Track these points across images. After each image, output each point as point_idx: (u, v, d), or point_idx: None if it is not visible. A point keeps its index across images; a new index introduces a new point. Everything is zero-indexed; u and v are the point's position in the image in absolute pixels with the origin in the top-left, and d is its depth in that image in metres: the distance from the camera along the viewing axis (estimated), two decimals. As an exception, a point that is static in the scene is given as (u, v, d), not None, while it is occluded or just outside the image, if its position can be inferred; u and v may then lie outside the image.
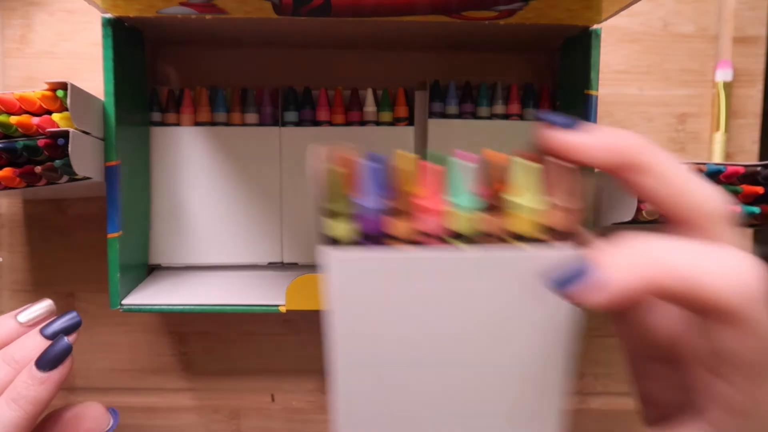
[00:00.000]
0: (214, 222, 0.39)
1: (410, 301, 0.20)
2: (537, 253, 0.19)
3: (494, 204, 0.19)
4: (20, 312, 0.28)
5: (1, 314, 0.43)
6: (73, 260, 0.43)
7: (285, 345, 0.44)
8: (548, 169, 0.19)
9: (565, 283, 0.18)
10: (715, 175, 0.35)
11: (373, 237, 0.19)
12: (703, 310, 0.17)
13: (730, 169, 0.34)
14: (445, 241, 0.19)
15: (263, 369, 0.44)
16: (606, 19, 0.34)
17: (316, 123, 0.40)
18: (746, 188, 0.35)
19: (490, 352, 0.21)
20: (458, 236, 0.19)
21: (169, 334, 0.44)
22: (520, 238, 0.19)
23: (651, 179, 0.19)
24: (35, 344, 0.27)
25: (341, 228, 0.19)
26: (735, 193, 0.35)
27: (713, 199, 0.19)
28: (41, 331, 0.27)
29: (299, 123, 0.40)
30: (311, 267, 0.40)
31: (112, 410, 0.30)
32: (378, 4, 0.31)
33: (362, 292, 0.20)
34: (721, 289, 0.17)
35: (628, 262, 0.17)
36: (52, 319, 0.28)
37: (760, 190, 0.35)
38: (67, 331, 0.27)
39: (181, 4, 0.31)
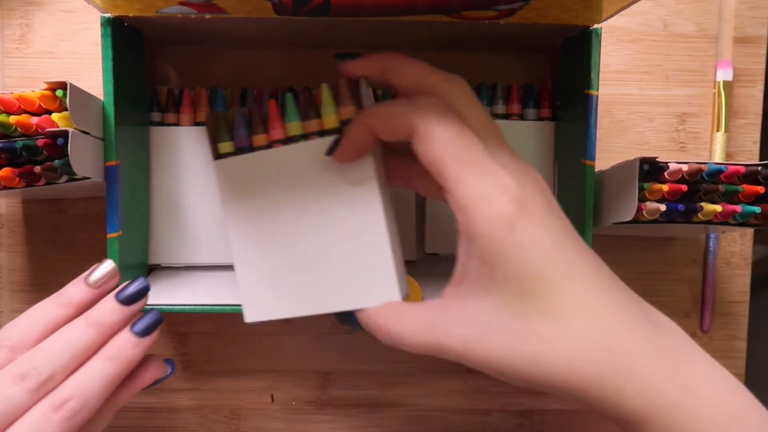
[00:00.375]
0: (214, 221, 0.39)
1: (271, 185, 0.32)
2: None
3: (314, 114, 0.32)
4: (88, 275, 0.31)
5: (0, 314, 0.43)
6: (73, 260, 0.43)
7: (285, 345, 0.44)
8: (345, 86, 0.31)
9: None
10: (715, 174, 0.35)
11: (244, 149, 0.32)
12: (401, 134, 0.28)
13: (731, 168, 0.34)
14: (287, 142, 0.32)
15: (263, 369, 0.44)
16: (606, 19, 0.34)
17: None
18: (747, 188, 0.35)
19: (329, 217, 0.32)
20: (295, 138, 0.32)
21: (169, 334, 0.44)
22: (331, 131, 0.31)
23: (395, 76, 0.30)
24: (113, 309, 0.30)
25: (225, 146, 0.32)
26: (736, 192, 0.35)
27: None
28: (116, 297, 0.31)
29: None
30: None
31: (169, 361, 0.35)
32: (378, 4, 0.31)
33: (241, 183, 0.32)
34: (404, 115, 0.28)
35: (357, 121, 0.30)
36: (123, 285, 0.31)
37: (760, 189, 0.35)
38: (140, 295, 0.31)
39: (181, 3, 0.31)
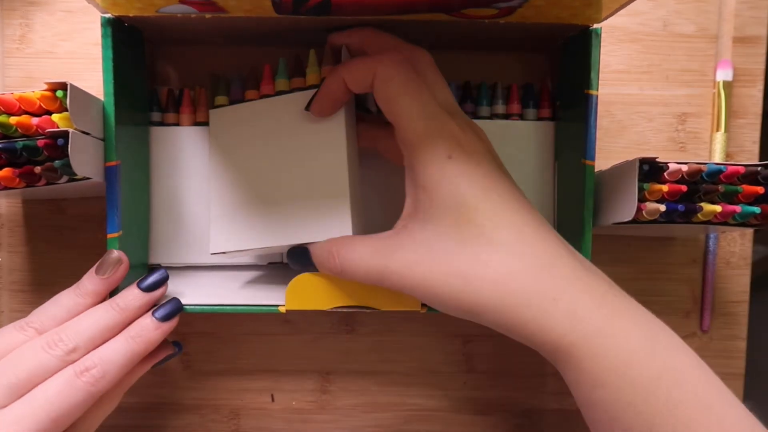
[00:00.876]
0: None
1: (254, 131, 0.36)
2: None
3: (300, 74, 0.36)
4: (98, 267, 0.34)
5: (0, 314, 0.43)
6: (73, 260, 0.43)
7: (285, 345, 0.44)
8: (329, 52, 0.36)
9: None
10: (715, 174, 0.35)
11: (237, 101, 0.37)
12: (367, 80, 0.32)
13: (731, 169, 0.34)
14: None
15: (263, 369, 0.44)
16: (606, 18, 0.34)
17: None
18: (746, 188, 0.35)
19: (299, 162, 0.35)
20: (281, 93, 0.36)
21: (169, 334, 0.44)
22: (313, 87, 0.35)
23: (370, 44, 0.35)
24: (135, 295, 0.34)
25: (221, 99, 0.38)
26: (735, 193, 0.35)
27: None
28: (138, 284, 0.34)
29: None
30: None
31: (176, 343, 0.38)
32: (378, 2, 0.31)
33: (228, 130, 0.37)
34: (368, 63, 0.32)
35: (330, 75, 0.34)
36: (145, 275, 0.35)
37: (760, 190, 0.35)
38: (160, 283, 0.35)
39: (181, 2, 0.31)
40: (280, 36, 0.39)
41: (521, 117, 0.40)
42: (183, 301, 0.35)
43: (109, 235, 0.34)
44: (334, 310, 0.35)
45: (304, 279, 0.35)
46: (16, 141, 0.32)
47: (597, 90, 0.35)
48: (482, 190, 0.30)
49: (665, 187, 0.34)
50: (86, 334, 0.32)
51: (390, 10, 0.32)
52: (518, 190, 0.32)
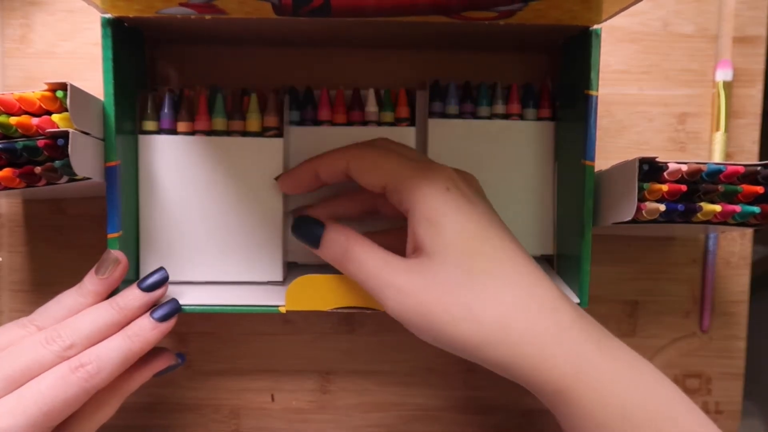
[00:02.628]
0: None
1: (191, 168, 0.38)
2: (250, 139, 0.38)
3: (239, 116, 0.38)
4: (97, 267, 0.35)
5: (1, 314, 0.43)
6: (73, 260, 0.43)
7: (285, 345, 0.44)
8: (273, 99, 0.38)
9: None
10: (715, 174, 0.35)
11: (166, 130, 0.38)
12: (339, 174, 0.34)
13: (731, 168, 0.34)
14: (209, 134, 0.38)
15: (263, 369, 0.44)
16: (606, 20, 0.34)
17: (317, 123, 0.40)
18: (746, 188, 0.35)
19: (237, 197, 0.38)
20: (215, 132, 0.38)
21: (169, 334, 0.44)
22: (252, 134, 0.38)
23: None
24: (135, 295, 0.34)
25: (150, 124, 0.38)
26: (735, 192, 0.35)
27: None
28: (138, 285, 0.34)
29: (301, 122, 0.40)
30: (312, 267, 0.40)
31: (180, 354, 0.39)
32: (378, 4, 0.31)
33: (161, 157, 0.37)
34: (337, 157, 0.34)
35: (305, 163, 0.36)
36: (146, 276, 0.35)
37: (760, 189, 0.35)
38: (160, 284, 0.35)
39: (181, 4, 0.31)
40: (280, 38, 0.39)
41: (521, 117, 0.40)
42: (183, 301, 0.35)
43: (110, 235, 0.35)
44: (335, 310, 0.35)
45: (304, 279, 0.35)
46: (16, 141, 0.32)
47: (597, 90, 0.35)
48: (483, 226, 0.31)
49: (665, 187, 0.34)
50: (84, 332, 0.32)
51: (390, 12, 0.32)
52: (504, 226, 0.33)
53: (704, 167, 0.34)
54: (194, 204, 0.38)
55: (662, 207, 0.34)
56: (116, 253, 0.34)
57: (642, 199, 0.35)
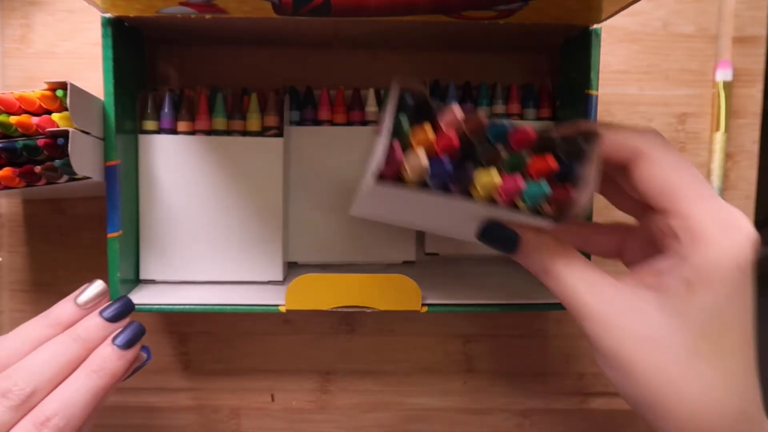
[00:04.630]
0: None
1: (185, 164, 0.37)
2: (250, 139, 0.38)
3: (239, 116, 0.38)
4: (78, 295, 0.32)
5: (1, 314, 0.43)
6: (73, 260, 0.43)
7: (285, 345, 0.44)
8: (273, 98, 0.38)
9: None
10: (501, 135, 0.26)
11: (167, 130, 0.37)
12: (621, 155, 0.28)
13: (520, 131, 0.26)
14: (209, 134, 0.38)
15: (263, 369, 0.44)
16: (606, 19, 0.34)
17: (317, 122, 0.40)
18: (535, 159, 0.26)
19: (237, 197, 0.38)
20: (215, 132, 0.38)
21: (169, 334, 0.44)
22: (252, 134, 0.38)
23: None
24: (97, 325, 0.31)
25: (150, 124, 0.37)
26: (522, 162, 0.26)
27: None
28: (101, 313, 0.31)
29: (301, 122, 0.40)
30: (312, 267, 0.40)
31: (145, 348, 0.34)
32: (378, 4, 0.31)
33: (161, 157, 0.37)
34: (629, 136, 0.28)
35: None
36: (109, 303, 0.32)
37: (552, 163, 0.26)
38: (125, 313, 0.32)
39: (181, 4, 0.31)
40: (280, 38, 0.39)
41: (521, 117, 0.40)
42: (183, 301, 0.35)
43: (110, 235, 0.35)
44: (334, 310, 0.35)
45: (304, 279, 0.35)
46: (17, 140, 0.32)
47: (597, 90, 0.35)
48: (740, 313, 0.26)
49: (432, 134, 0.25)
50: (45, 374, 0.28)
51: (390, 11, 0.32)
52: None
53: (487, 121, 0.26)
54: (194, 203, 0.38)
55: (425, 161, 0.25)
56: (104, 285, 0.32)
57: (405, 147, 0.25)
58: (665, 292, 0.26)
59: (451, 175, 0.25)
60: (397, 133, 0.25)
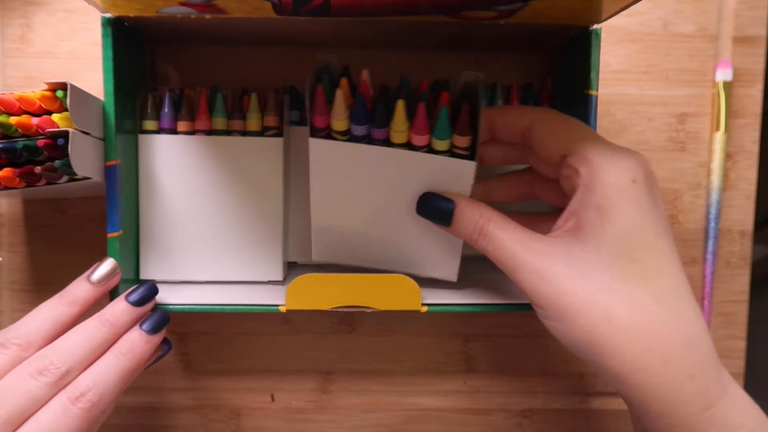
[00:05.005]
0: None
1: (185, 163, 0.37)
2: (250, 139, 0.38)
3: (239, 115, 0.38)
4: (91, 273, 0.33)
5: (1, 314, 0.43)
6: (73, 260, 0.43)
7: (285, 345, 0.44)
8: (273, 98, 0.38)
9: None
10: (407, 82, 0.34)
11: (167, 130, 0.37)
12: (519, 126, 0.33)
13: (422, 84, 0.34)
14: (209, 134, 0.37)
15: (263, 369, 0.44)
16: (606, 19, 0.34)
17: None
18: (438, 97, 0.32)
19: (231, 197, 0.38)
20: (215, 131, 0.37)
21: (169, 334, 0.44)
22: (252, 134, 0.38)
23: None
24: (123, 309, 0.32)
25: (150, 124, 0.37)
26: (425, 98, 0.33)
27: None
28: (126, 298, 0.33)
29: (301, 122, 0.40)
30: (312, 266, 0.40)
31: (166, 340, 0.36)
32: (378, 3, 0.31)
33: (161, 157, 0.37)
34: (523, 111, 0.33)
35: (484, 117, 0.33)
36: (134, 287, 0.33)
37: (446, 100, 0.32)
38: (149, 297, 0.33)
39: (181, 4, 0.31)
40: (280, 38, 0.39)
41: (521, 117, 0.40)
42: (183, 301, 0.35)
43: (110, 235, 0.35)
44: (334, 310, 0.35)
45: (304, 279, 0.35)
46: (17, 141, 0.32)
47: (597, 90, 0.35)
48: (655, 230, 0.28)
49: (347, 87, 0.32)
50: (78, 354, 0.30)
51: (390, 11, 0.32)
52: (674, 245, 0.30)
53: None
54: (194, 203, 0.38)
55: (345, 108, 0.32)
56: (115, 262, 0.34)
57: (330, 102, 0.32)
58: (582, 227, 0.28)
59: (369, 117, 0.32)
60: (321, 82, 0.33)
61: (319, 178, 0.34)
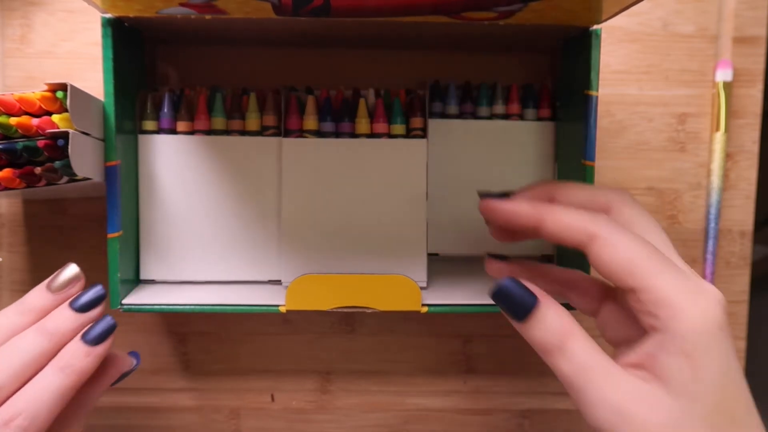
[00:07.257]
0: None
1: (185, 163, 0.38)
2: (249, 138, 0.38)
3: (238, 115, 0.38)
4: (50, 281, 0.31)
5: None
6: (73, 260, 0.42)
7: (285, 345, 0.44)
8: (272, 97, 0.38)
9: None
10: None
11: (166, 130, 0.38)
12: (576, 239, 0.28)
13: None
14: (209, 134, 0.38)
15: (263, 369, 0.44)
16: (606, 20, 0.34)
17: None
18: None
19: (231, 196, 0.38)
20: (214, 131, 0.38)
21: (169, 334, 0.44)
22: (252, 133, 0.38)
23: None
24: (66, 317, 0.29)
25: (149, 124, 0.38)
26: None
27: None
28: (71, 305, 0.30)
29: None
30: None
31: (134, 353, 0.34)
32: (378, 4, 0.31)
33: (161, 157, 0.37)
34: (583, 222, 0.28)
35: (533, 209, 0.29)
36: (80, 293, 0.30)
37: None
38: (96, 303, 0.30)
39: (181, 4, 0.31)
40: (280, 38, 0.39)
41: (521, 117, 0.40)
42: (182, 301, 0.35)
43: (110, 235, 0.35)
44: (334, 310, 0.35)
45: (304, 279, 0.35)
46: (17, 142, 0.32)
47: (597, 91, 0.35)
48: (741, 378, 0.26)
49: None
50: (10, 370, 0.27)
51: (390, 12, 0.32)
52: None
53: None
54: (194, 203, 0.38)
55: None
56: (78, 269, 0.31)
57: None
58: (667, 375, 0.25)
59: (335, 114, 0.38)
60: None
61: (291, 179, 0.37)
